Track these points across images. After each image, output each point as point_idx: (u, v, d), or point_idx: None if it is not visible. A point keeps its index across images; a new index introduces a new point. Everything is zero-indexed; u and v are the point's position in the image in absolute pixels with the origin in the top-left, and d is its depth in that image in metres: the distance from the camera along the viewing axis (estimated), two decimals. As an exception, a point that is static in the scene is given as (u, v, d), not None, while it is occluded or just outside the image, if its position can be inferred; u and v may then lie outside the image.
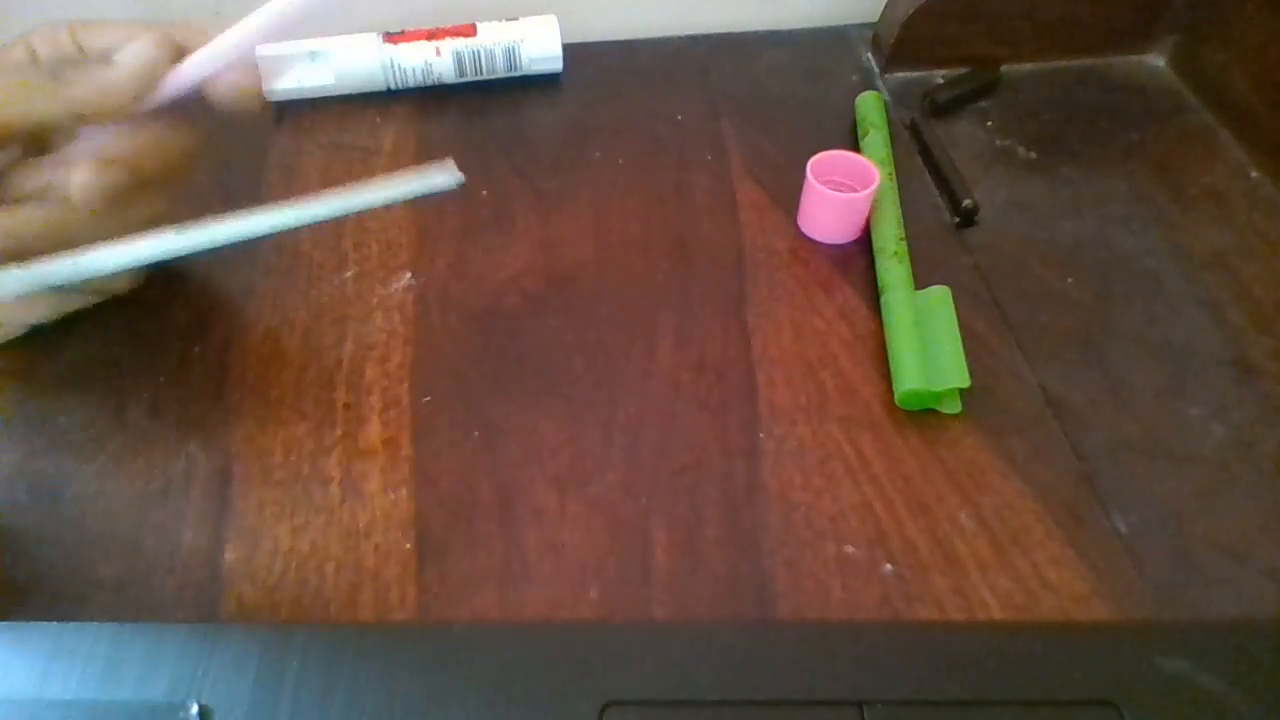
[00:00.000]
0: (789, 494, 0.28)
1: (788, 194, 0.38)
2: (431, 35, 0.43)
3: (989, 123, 0.42)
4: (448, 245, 0.37)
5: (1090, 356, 0.32)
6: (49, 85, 0.27)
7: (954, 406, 0.30)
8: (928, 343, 0.31)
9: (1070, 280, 0.35)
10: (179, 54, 0.29)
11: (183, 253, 0.28)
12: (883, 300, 0.33)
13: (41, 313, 0.32)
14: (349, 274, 0.36)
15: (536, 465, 0.29)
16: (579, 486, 0.29)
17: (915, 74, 0.44)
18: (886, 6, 0.45)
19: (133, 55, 0.28)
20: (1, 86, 0.27)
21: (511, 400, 0.31)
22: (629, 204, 0.38)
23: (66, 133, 0.29)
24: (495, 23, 0.43)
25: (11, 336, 0.32)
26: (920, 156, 0.40)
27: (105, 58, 0.28)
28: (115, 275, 0.30)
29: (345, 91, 0.44)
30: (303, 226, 0.28)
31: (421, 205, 0.38)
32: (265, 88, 0.43)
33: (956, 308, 0.32)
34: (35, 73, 0.27)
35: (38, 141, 0.30)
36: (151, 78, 0.28)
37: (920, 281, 0.34)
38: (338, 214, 0.28)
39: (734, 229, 0.37)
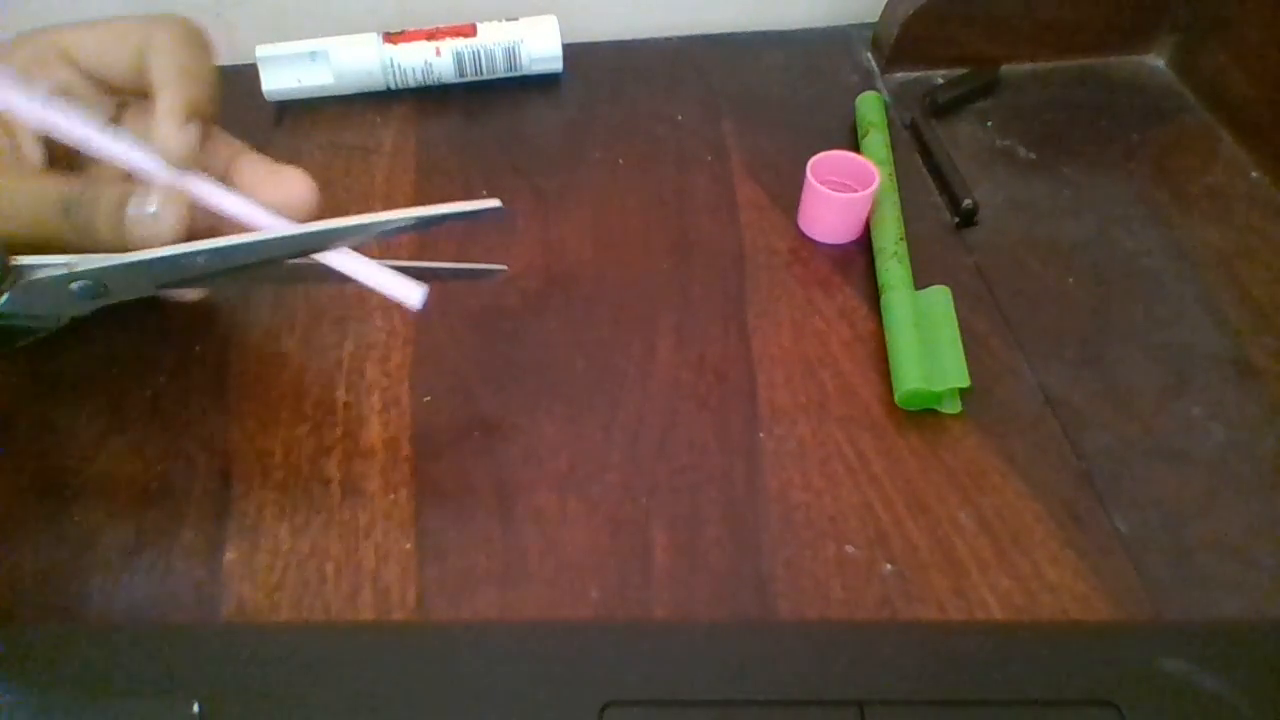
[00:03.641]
0: (789, 494, 0.28)
1: (788, 194, 0.38)
2: (431, 35, 0.43)
3: (989, 123, 0.42)
4: (448, 245, 0.37)
5: (1090, 356, 0.32)
6: (67, 230, 0.27)
7: (954, 406, 0.30)
8: (928, 343, 0.31)
9: (1070, 280, 0.35)
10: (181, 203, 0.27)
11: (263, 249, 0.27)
12: (883, 300, 0.33)
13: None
14: (349, 274, 0.36)
15: (536, 465, 0.29)
16: (579, 486, 0.29)
17: (915, 74, 0.44)
18: (886, 6, 0.45)
19: (148, 225, 0.27)
20: (19, 213, 0.27)
21: (511, 400, 0.31)
22: (629, 204, 0.38)
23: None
24: (495, 23, 0.43)
25: (50, 330, 0.32)
26: (920, 156, 0.40)
27: (121, 202, 0.27)
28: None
29: (345, 91, 0.44)
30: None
31: (421, 205, 0.38)
32: (265, 88, 0.43)
33: (956, 308, 0.32)
34: (55, 212, 0.27)
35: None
36: (160, 235, 0.27)
37: (920, 281, 0.34)
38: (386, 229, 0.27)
39: (734, 229, 0.37)
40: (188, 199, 0.27)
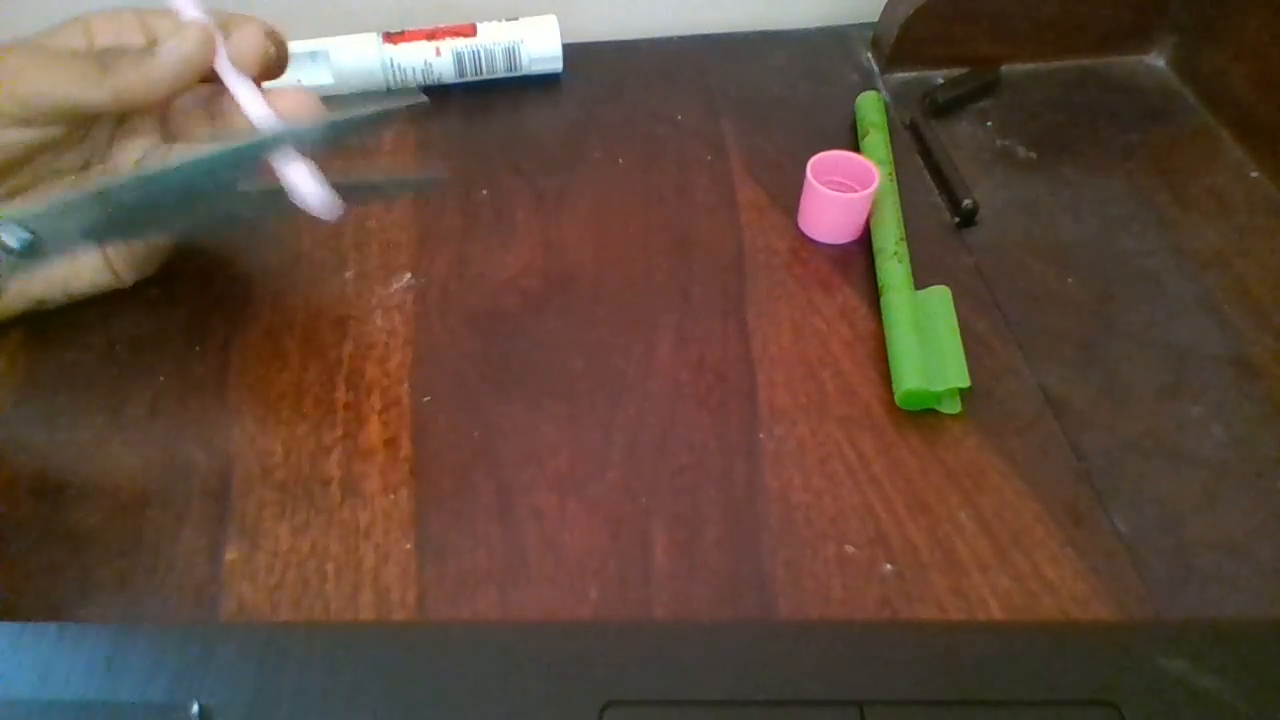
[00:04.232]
0: (789, 494, 0.28)
1: (788, 194, 0.38)
2: (431, 35, 0.43)
3: (989, 123, 0.42)
4: (448, 245, 0.37)
5: (1090, 356, 0.32)
6: (96, 72, 0.28)
7: (954, 406, 0.30)
8: (928, 343, 0.31)
9: (1070, 280, 0.35)
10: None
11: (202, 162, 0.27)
12: (883, 300, 0.33)
13: (52, 291, 0.32)
14: (349, 274, 0.36)
15: (536, 465, 0.29)
16: (579, 486, 0.29)
17: (915, 74, 0.44)
18: (886, 6, 0.45)
19: (174, 47, 0.29)
20: (51, 71, 0.28)
21: (511, 400, 0.31)
22: (629, 204, 0.38)
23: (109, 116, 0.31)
24: (495, 23, 0.43)
25: (18, 310, 0.32)
26: (920, 156, 0.40)
27: (150, 48, 0.29)
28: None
29: (345, 91, 0.44)
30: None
31: (421, 205, 0.38)
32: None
33: (956, 308, 0.32)
34: (85, 60, 0.28)
35: (81, 123, 0.31)
36: (191, 70, 0.29)
37: (920, 281, 0.34)
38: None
39: (734, 229, 0.37)
40: (212, 35, 0.29)
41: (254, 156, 0.27)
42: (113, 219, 0.27)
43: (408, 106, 0.27)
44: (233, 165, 0.27)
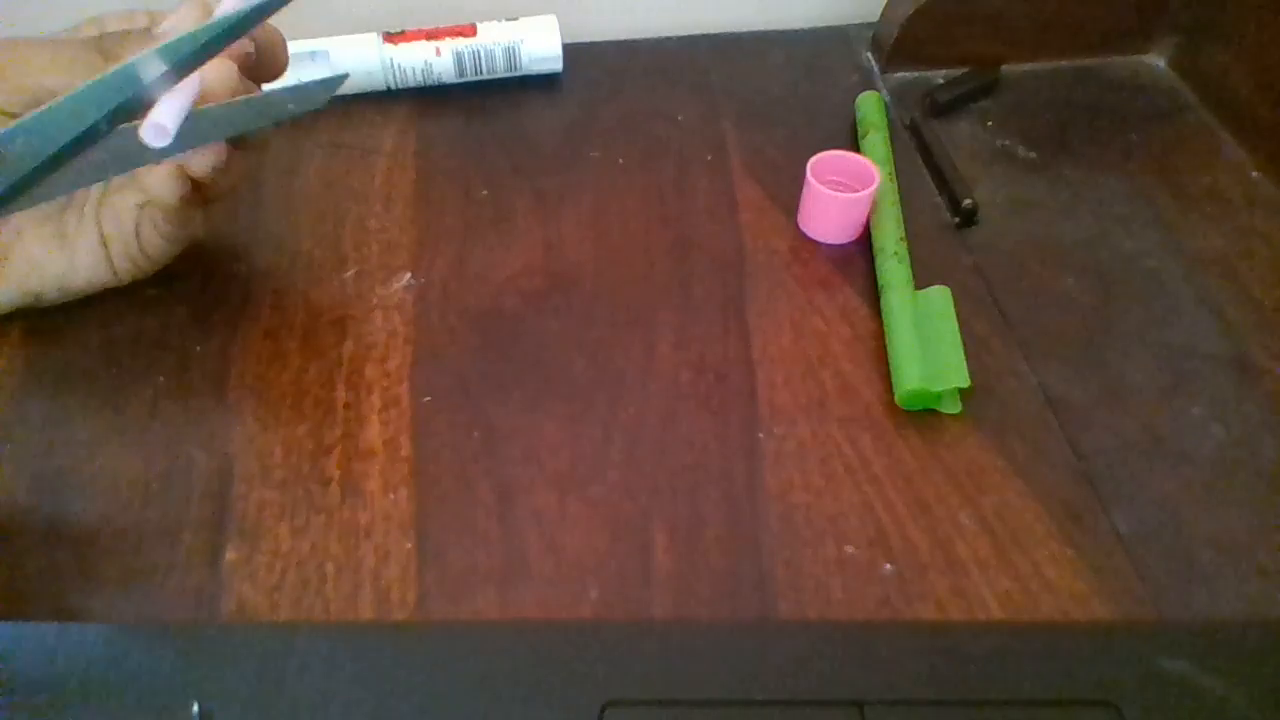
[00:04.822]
0: (789, 494, 0.28)
1: (788, 194, 0.38)
2: (431, 35, 0.43)
3: (989, 123, 0.42)
4: (448, 245, 0.37)
5: (1090, 356, 0.32)
6: (97, 59, 0.28)
7: (954, 406, 0.30)
8: (928, 343, 0.31)
9: (1070, 280, 0.35)
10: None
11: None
12: (883, 300, 0.33)
13: (47, 287, 0.32)
14: (349, 274, 0.36)
15: (536, 465, 0.29)
16: (579, 486, 0.29)
17: (915, 74, 0.44)
18: (886, 6, 0.45)
19: (171, 24, 0.28)
20: (52, 54, 0.28)
21: (511, 400, 0.31)
22: (629, 204, 0.38)
23: None
24: (495, 23, 0.43)
25: (15, 304, 0.32)
26: (920, 156, 0.40)
27: (149, 29, 0.29)
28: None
29: (345, 91, 0.44)
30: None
31: (421, 205, 0.38)
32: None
33: (957, 308, 0.32)
34: (87, 46, 0.29)
35: None
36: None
37: (920, 281, 0.34)
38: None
39: (734, 229, 0.37)
40: (210, 10, 0.28)
41: (133, 86, 0.24)
42: (17, 180, 0.26)
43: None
44: (114, 99, 0.25)
